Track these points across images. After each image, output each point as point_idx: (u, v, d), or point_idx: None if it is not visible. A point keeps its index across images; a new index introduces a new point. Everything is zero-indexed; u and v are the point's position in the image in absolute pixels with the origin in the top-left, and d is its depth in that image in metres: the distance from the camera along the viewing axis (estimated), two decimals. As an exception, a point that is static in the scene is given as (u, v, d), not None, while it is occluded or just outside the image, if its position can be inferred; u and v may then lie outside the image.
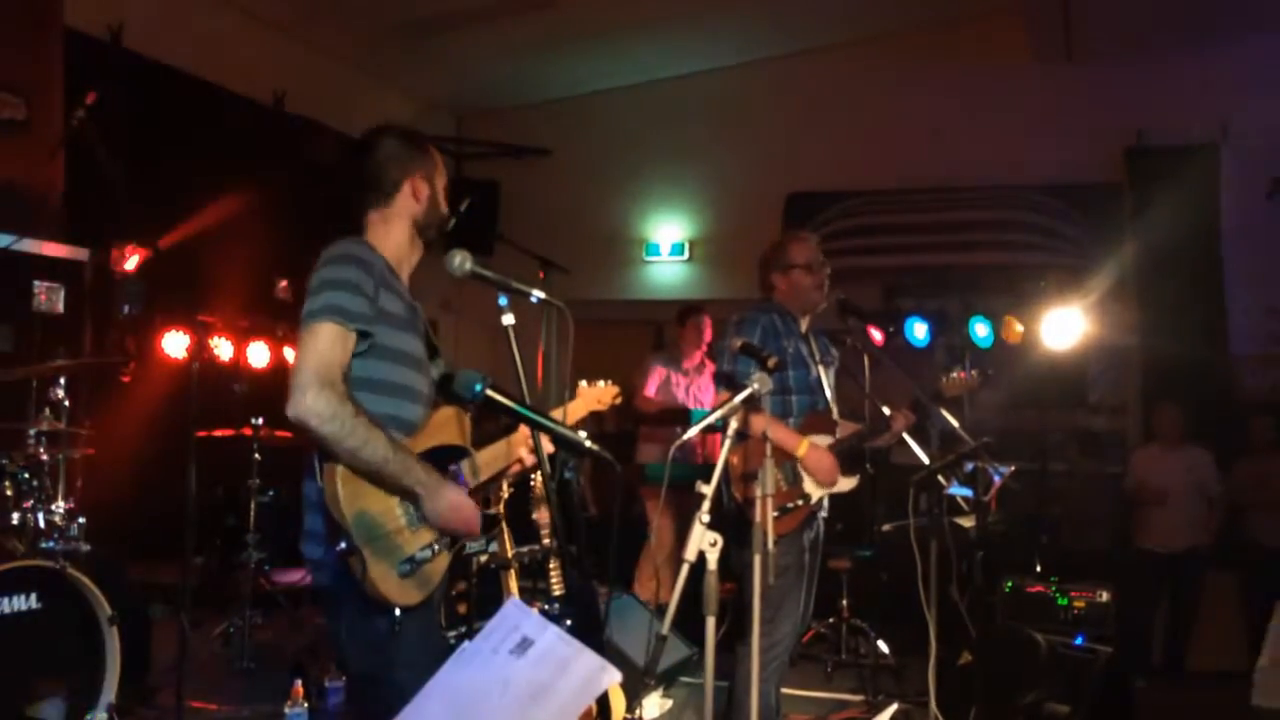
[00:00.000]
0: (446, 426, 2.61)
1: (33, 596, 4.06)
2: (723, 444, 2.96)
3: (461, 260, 2.50)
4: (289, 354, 7.48)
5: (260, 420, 5.87)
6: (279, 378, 7.19)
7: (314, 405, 2.30)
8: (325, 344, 2.37)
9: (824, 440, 4.04)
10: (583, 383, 3.16)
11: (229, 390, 6.07)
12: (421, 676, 2.29)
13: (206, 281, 6.99)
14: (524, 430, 2.73)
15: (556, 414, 2.99)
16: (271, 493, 6.05)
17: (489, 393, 2.31)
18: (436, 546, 2.48)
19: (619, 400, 3.21)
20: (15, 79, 5.95)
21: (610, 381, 3.19)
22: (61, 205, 6.11)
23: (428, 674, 2.26)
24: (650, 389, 6.75)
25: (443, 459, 2.55)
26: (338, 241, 2.54)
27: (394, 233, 2.65)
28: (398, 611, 2.38)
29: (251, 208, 7.28)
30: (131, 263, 6.27)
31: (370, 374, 2.48)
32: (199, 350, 5.40)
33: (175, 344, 6.47)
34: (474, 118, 10.12)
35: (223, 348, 6.69)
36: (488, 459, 2.71)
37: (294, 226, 7.40)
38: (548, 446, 2.64)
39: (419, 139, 2.73)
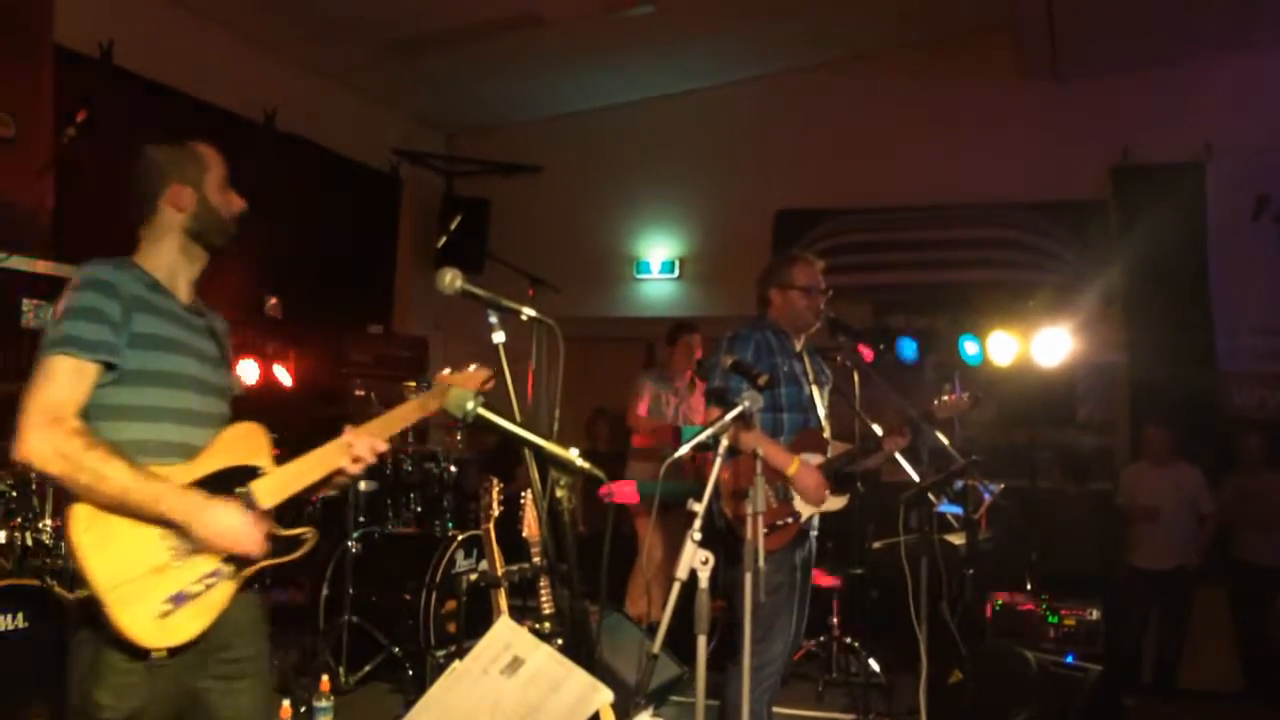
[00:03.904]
0: (236, 445, 2.46)
1: (19, 615, 4.03)
2: (713, 461, 2.95)
3: (452, 278, 2.49)
4: (278, 371, 7.46)
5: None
6: (267, 396, 7.17)
7: (35, 445, 2.17)
8: (55, 380, 2.25)
9: (815, 459, 4.05)
10: (446, 370, 2.89)
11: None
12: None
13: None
14: (347, 436, 2.53)
15: (415, 406, 2.69)
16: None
17: (480, 411, 2.29)
18: (214, 579, 2.31)
19: (489, 386, 2.81)
20: (4, 96, 5.92)
21: (479, 365, 2.87)
22: (51, 223, 6.09)
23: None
24: (642, 408, 6.74)
25: (229, 480, 2.38)
26: (86, 264, 2.39)
27: (163, 248, 2.52)
28: (154, 655, 2.20)
29: (241, 225, 7.24)
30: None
31: (117, 400, 2.32)
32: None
33: (164, 362, 6.41)
34: (464, 135, 10.12)
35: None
36: (297, 472, 2.49)
37: (284, 244, 7.39)
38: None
39: (182, 143, 2.56)
